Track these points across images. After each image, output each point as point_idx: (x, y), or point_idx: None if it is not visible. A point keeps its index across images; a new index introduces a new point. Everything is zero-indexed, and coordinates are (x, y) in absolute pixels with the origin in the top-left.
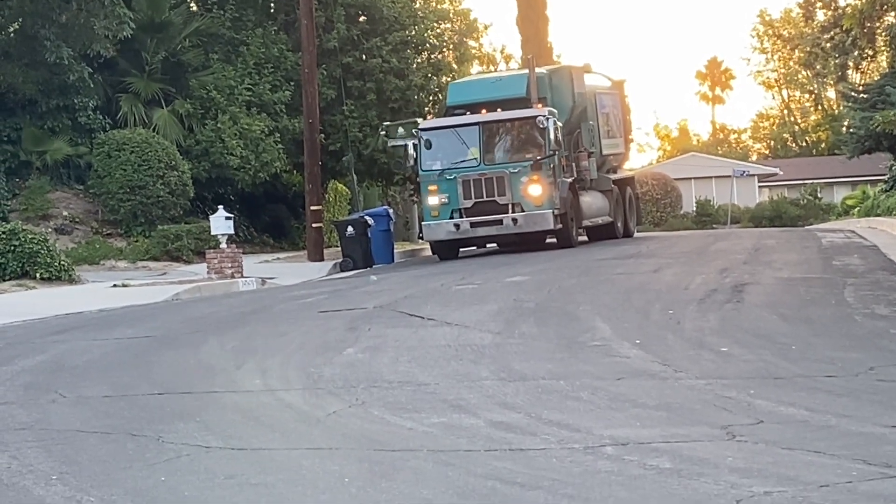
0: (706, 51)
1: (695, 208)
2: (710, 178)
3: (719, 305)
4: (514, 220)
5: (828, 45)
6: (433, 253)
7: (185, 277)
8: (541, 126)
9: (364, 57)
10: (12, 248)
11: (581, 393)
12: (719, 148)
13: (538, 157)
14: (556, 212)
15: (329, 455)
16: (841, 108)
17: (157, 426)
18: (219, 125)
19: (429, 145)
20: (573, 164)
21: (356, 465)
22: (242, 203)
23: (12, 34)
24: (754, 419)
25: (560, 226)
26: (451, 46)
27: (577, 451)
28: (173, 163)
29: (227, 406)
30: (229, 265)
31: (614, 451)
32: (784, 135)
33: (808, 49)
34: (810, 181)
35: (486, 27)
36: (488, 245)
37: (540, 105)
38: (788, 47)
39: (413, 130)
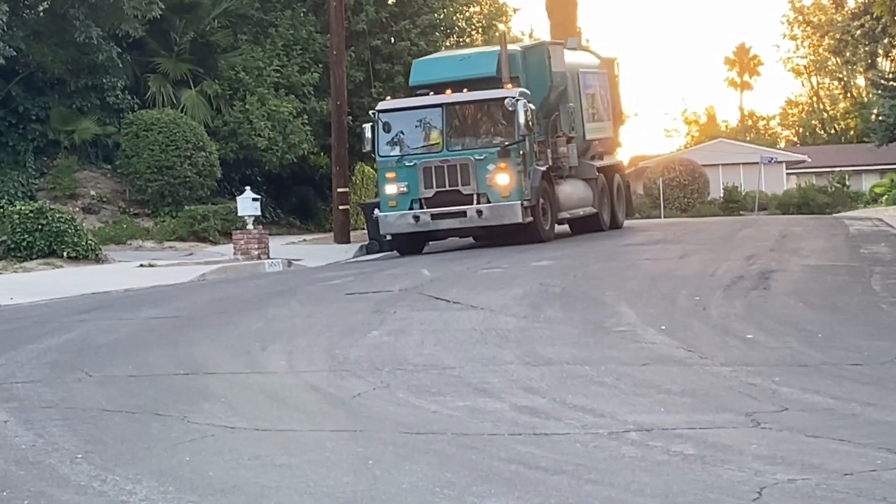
0: (735, 37)
1: (722, 195)
2: (738, 164)
3: (745, 292)
4: (479, 213)
5: (858, 32)
6: (392, 249)
7: (211, 258)
8: (509, 108)
9: (392, 40)
10: (40, 226)
11: (606, 378)
12: (747, 134)
13: (506, 143)
14: (526, 203)
15: (353, 437)
16: (870, 95)
17: (183, 406)
18: (247, 106)
19: (387, 128)
20: (549, 151)
21: (380, 447)
22: (269, 184)
23: (42, 13)
24: (779, 406)
25: (530, 218)
26: (479, 30)
27: (601, 436)
28: (201, 143)
29: (253, 387)
30: (255, 246)
31: (639, 437)
32: (813, 122)
33: (838, 36)
34: (838, 169)
35: (514, 11)
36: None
37: (510, 85)
38: (818, 34)
39: (370, 112)
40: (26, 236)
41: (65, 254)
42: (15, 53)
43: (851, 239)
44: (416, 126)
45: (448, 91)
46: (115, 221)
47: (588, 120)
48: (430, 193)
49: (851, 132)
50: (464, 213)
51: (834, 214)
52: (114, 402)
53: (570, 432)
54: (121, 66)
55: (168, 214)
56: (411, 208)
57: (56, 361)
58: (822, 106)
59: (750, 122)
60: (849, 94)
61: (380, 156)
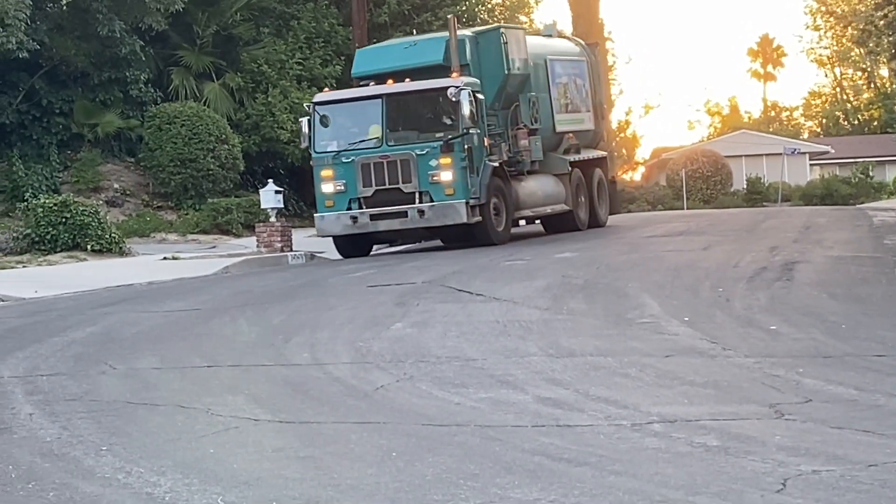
0: (758, 28)
1: (745, 186)
2: (761, 155)
3: (769, 283)
4: (421, 213)
5: (881, 22)
6: (338, 251)
7: (234, 251)
8: (452, 99)
9: (415, 32)
10: (64, 220)
11: (629, 370)
12: (770, 126)
13: (449, 137)
14: (473, 202)
15: (376, 429)
16: (894, 86)
17: (206, 398)
18: (269, 99)
19: (325, 122)
20: (509, 144)
21: (403, 439)
22: (292, 177)
23: (65, 7)
24: (803, 398)
25: (477, 218)
26: (502, 21)
27: (624, 427)
28: (224, 136)
29: (276, 379)
30: (278, 239)
31: (662, 429)
32: (836, 113)
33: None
34: (862, 159)
35: (536, 2)
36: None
37: (456, 74)
38: (841, 25)
39: (305, 105)
40: (50, 229)
41: (89, 247)
42: (38, 47)
43: (875, 230)
44: (355, 120)
45: (390, 81)
46: (138, 214)
47: (560, 111)
48: (368, 192)
49: (875, 123)
50: (404, 214)
51: (857, 205)
52: (138, 395)
53: (593, 424)
54: (144, 59)
55: (191, 207)
56: (349, 208)
57: (80, 354)
58: (845, 96)
59: (773, 113)
60: (872, 85)
61: (315, 152)
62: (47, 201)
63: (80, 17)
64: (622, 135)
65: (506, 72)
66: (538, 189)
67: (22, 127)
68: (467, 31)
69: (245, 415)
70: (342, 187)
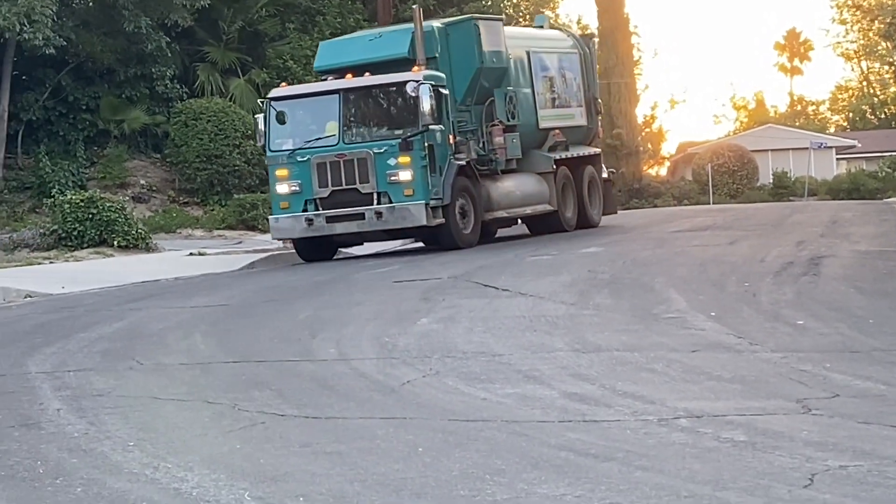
0: (785, 21)
1: (771, 180)
2: (788, 150)
3: (795, 278)
4: (378, 214)
5: None
6: (298, 254)
7: (260, 246)
8: (411, 94)
9: None
10: (90, 216)
11: (655, 365)
12: (797, 120)
13: (408, 135)
14: (434, 203)
15: (403, 424)
16: None
17: (233, 394)
18: None
19: (281, 119)
20: (483, 141)
21: (430, 434)
22: None
23: (91, 4)
24: (830, 393)
25: (440, 220)
26: (526, 17)
27: (651, 422)
28: (250, 132)
29: (302, 374)
30: None
31: (689, 424)
32: (863, 107)
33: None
34: (889, 153)
35: None
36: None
37: (417, 68)
38: (868, 18)
39: (259, 101)
40: (77, 225)
41: (115, 243)
42: (65, 43)
43: None
44: (311, 116)
45: (349, 76)
46: (164, 210)
47: (544, 106)
48: (325, 193)
49: None
50: (361, 216)
51: (884, 200)
52: (165, 390)
53: (620, 419)
54: (169, 55)
55: (217, 203)
56: (305, 210)
57: (107, 350)
58: (872, 90)
59: (799, 108)
60: None
61: (270, 150)
62: (74, 197)
63: (107, 14)
64: (648, 129)
65: (479, 65)
66: (516, 188)
67: (49, 123)
68: (437, 23)
69: (272, 410)
70: (297, 188)
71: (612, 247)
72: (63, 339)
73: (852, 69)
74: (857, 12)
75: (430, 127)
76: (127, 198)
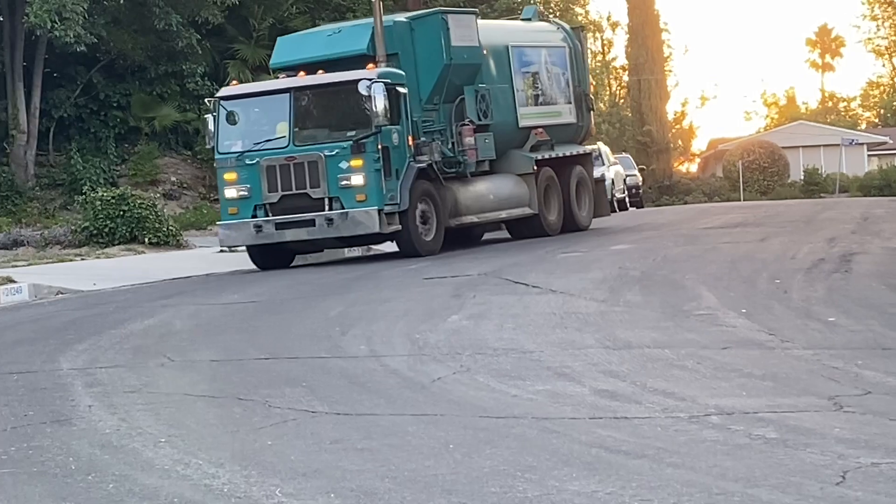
0: (816, 18)
1: (802, 177)
2: (819, 146)
3: (827, 275)
4: (329, 221)
5: None
6: (252, 261)
7: None
8: (364, 93)
9: None
10: (121, 212)
11: (686, 362)
12: (828, 116)
13: (360, 136)
14: (389, 209)
15: (434, 421)
16: None
17: (264, 391)
18: None
19: (232, 119)
20: (452, 142)
21: (461, 431)
22: None
23: (122, 1)
24: (862, 390)
25: (395, 227)
26: (557, 14)
27: (682, 419)
28: None
29: (333, 371)
30: None
31: (720, 421)
32: (894, 103)
33: None
34: None
35: None
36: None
37: (372, 65)
38: None
39: (205, 100)
40: (108, 222)
41: (146, 239)
42: (96, 41)
43: None
44: (262, 116)
45: (301, 73)
46: (195, 207)
47: (524, 103)
48: (274, 198)
49: None
50: (312, 222)
51: None
52: (196, 387)
53: (650, 416)
54: (200, 52)
55: None
56: (255, 216)
57: (138, 346)
58: None
59: (830, 104)
60: None
61: (219, 153)
62: (105, 194)
63: (137, 11)
64: (678, 126)
65: (446, 61)
66: (489, 192)
67: (80, 120)
68: (401, 17)
69: (302, 407)
70: (246, 192)
71: (642, 244)
72: (94, 335)
73: (884, 65)
74: (889, 8)
75: (385, 128)
76: (158, 195)
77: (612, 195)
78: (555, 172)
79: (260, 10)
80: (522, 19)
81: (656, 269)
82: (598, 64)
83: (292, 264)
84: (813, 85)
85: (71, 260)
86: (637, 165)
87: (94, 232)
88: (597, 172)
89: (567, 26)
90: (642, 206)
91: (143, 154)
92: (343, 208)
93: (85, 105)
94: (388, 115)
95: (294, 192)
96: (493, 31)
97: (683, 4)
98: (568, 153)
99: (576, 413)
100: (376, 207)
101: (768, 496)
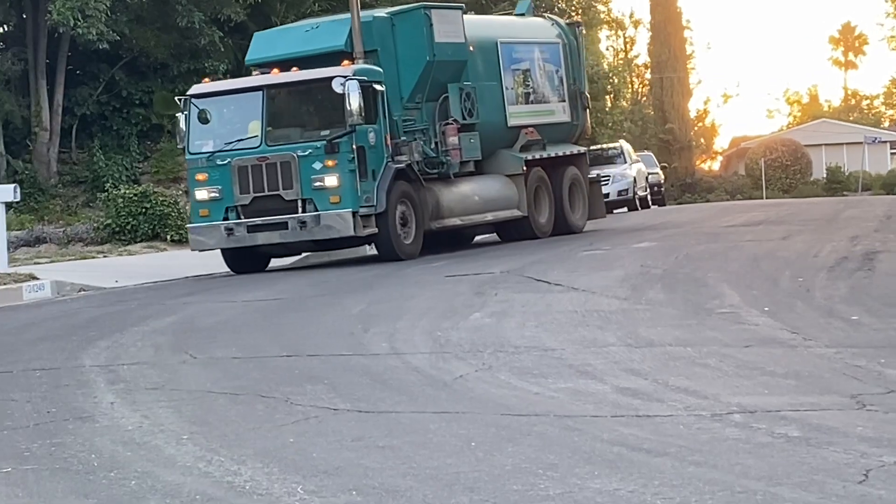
0: (839, 15)
1: (825, 175)
2: (841, 144)
3: (850, 273)
4: (302, 224)
5: None
6: (227, 265)
7: None
8: (337, 91)
9: None
10: (143, 210)
11: (709, 360)
12: (851, 114)
13: (334, 136)
14: (365, 211)
15: (455, 419)
16: None
17: (286, 388)
18: None
19: (203, 118)
20: (435, 142)
21: (482, 429)
22: None
23: None
24: (885, 388)
25: (372, 230)
26: (578, 11)
27: (704, 418)
28: None
29: (355, 369)
30: None
31: (742, 419)
32: None
33: None
34: None
35: None
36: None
37: (348, 62)
38: None
39: (176, 98)
40: (130, 220)
41: (168, 237)
42: (119, 38)
43: None
44: (234, 115)
45: (275, 70)
46: None
47: (514, 102)
48: (246, 200)
49: None
50: (285, 225)
51: None
52: (218, 384)
53: (672, 414)
54: (222, 49)
55: None
56: (226, 218)
57: (161, 343)
58: None
59: (853, 102)
60: None
61: (189, 153)
62: (127, 192)
63: (160, 9)
64: (700, 124)
65: (429, 58)
66: (474, 193)
67: (102, 118)
68: (382, 12)
69: (324, 404)
70: (217, 194)
71: (664, 241)
72: (117, 332)
73: None
74: None
75: (360, 127)
76: (180, 192)
77: (635, 193)
78: (546, 173)
79: (282, 7)
80: (516, 14)
81: (678, 266)
82: (621, 61)
83: (299, 264)
84: (836, 83)
85: (93, 257)
86: (659, 163)
87: (117, 229)
88: (618, 170)
89: (562, 21)
90: (664, 204)
91: (166, 151)
92: (316, 210)
93: (107, 102)
94: (364, 114)
95: (266, 193)
96: (481, 26)
97: (706, 2)
98: (561, 153)
99: (598, 411)
100: (351, 210)
101: (791, 494)
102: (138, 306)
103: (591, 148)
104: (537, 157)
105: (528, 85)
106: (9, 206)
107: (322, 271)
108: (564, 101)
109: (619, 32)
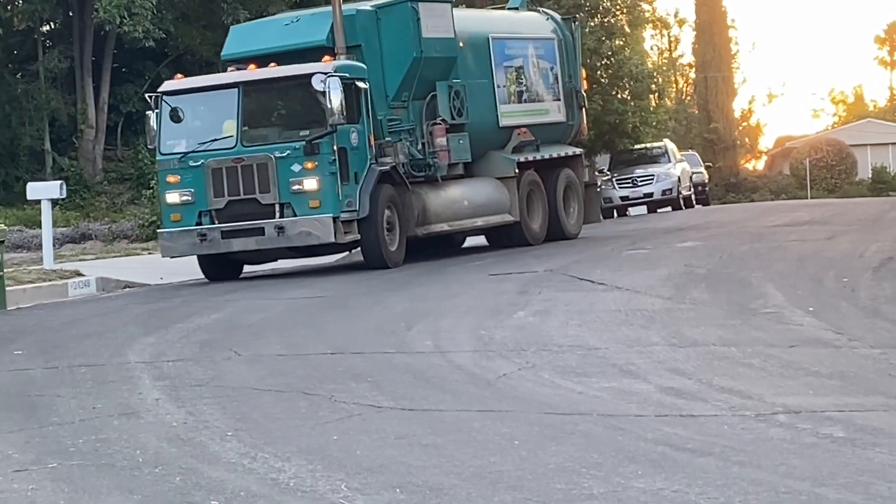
0: (885, 15)
1: (870, 175)
2: (887, 144)
3: (895, 274)
4: (280, 229)
5: None
6: (202, 271)
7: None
8: (318, 88)
9: None
10: None
11: (753, 360)
12: None
13: (313, 136)
14: (346, 216)
15: (499, 417)
16: None
17: (330, 385)
18: None
19: (175, 117)
20: (422, 143)
21: (526, 427)
22: None
23: None
24: None
25: (353, 236)
26: (623, 10)
27: (748, 418)
28: None
29: (399, 367)
30: None
31: (787, 419)
32: None
33: None
34: None
35: None
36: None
37: (328, 58)
38: None
39: (146, 96)
40: None
41: None
42: (164, 36)
43: None
44: (209, 113)
45: (251, 66)
46: None
47: (506, 100)
48: (221, 203)
49: None
50: (261, 230)
51: None
52: (262, 381)
53: (716, 414)
54: None
55: None
56: (200, 223)
57: (205, 340)
58: None
59: None
60: None
61: (160, 153)
62: None
63: (206, 7)
64: (745, 123)
65: (416, 54)
66: (464, 197)
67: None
68: (366, 5)
69: (368, 402)
70: (190, 197)
71: (708, 241)
72: (161, 329)
73: None
74: None
75: (341, 127)
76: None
77: (679, 192)
78: (540, 176)
79: (327, 5)
80: (509, 8)
81: (722, 266)
82: (665, 61)
83: (342, 262)
84: (881, 83)
85: (138, 254)
86: (703, 163)
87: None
88: (663, 169)
89: (558, 16)
90: (708, 204)
91: None
92: (295, 215)
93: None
94: (346, 113)
95: (242, 197)
96: (471, 20)
97: (751, 1)
98: (555, 154)
99: (641, 410)
100: (331, 215)
101: (835, 495)
102: (182, 303)
103: (636, 147)
104: (530, 158)
105: (522, 83)
106: (55, 203)
107: (364, 269)
108: (559, 99)
109: (664, 32)
